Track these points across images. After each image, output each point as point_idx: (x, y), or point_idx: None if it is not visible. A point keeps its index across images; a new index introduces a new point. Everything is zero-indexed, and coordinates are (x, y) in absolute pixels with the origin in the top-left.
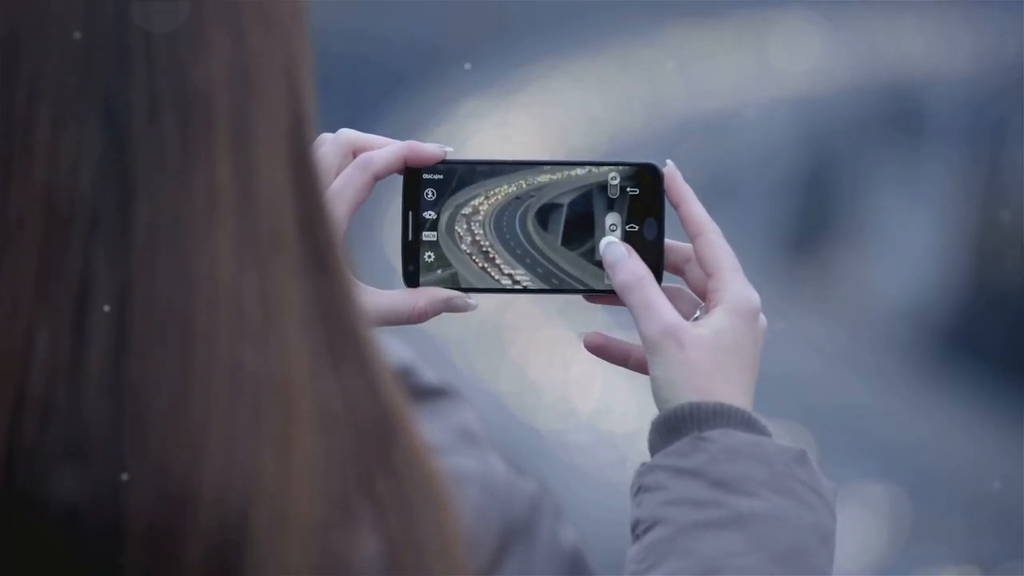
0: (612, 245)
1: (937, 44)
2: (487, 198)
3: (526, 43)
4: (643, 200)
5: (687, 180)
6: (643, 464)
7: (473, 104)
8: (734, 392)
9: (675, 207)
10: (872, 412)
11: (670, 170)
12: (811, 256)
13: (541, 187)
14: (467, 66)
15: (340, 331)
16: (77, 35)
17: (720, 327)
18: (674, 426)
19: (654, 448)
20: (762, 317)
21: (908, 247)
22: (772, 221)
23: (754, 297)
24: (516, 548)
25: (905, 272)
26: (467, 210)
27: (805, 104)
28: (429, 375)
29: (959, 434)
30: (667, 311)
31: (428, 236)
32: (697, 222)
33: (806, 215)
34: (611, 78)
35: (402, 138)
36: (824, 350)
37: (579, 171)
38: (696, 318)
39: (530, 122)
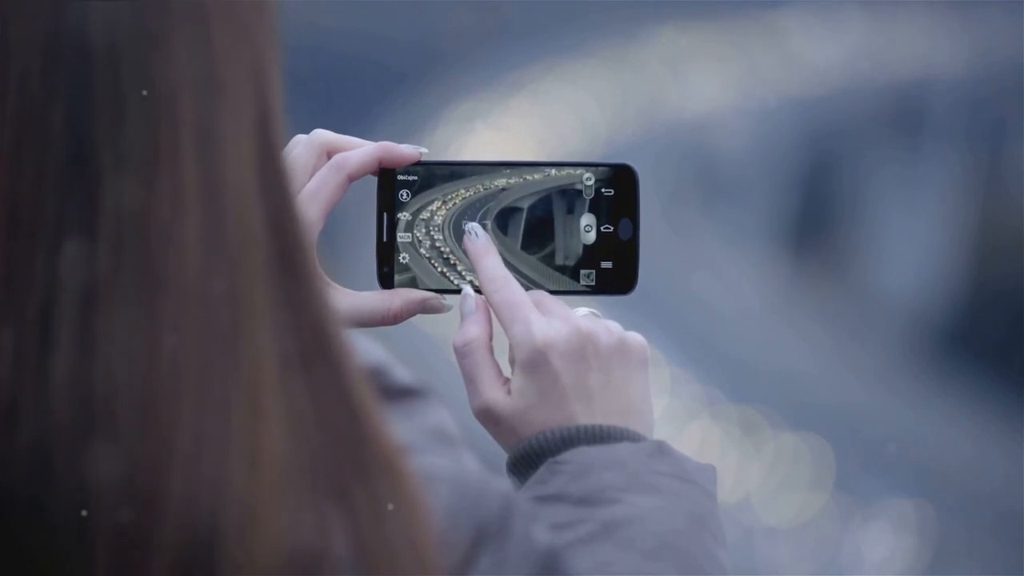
0: (467, 298)
1: (937, 44)
2: (444, 202)
3: (522, 45)
4: (618, 201)
5: (685, 181)
6: None
7: (470, 106)
8: (570, 418)
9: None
10: (871, 412)
11: (474, 227)
12: (811, 256)
13: (500, 191)
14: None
15: (310, 332)
16: (40, 38)
17: (520, 386)
18: (528, 460)
19: (517, 486)
20: (555, 342)
21: (908, 247)
22: (772, 221)
23: (534, 336)
24: (488, 548)
25: (905, 272)
26: (425, 214)
27: (805, 104)
28: (402, 375)
29: (957, 434)
30: (484, 387)
31: (403, 237)
32: (483, 283)
33: (806, 215)
34: (608, 79)
35: (398, 141)
36: (823, 349)
37: (538, 175)
38: (510, 377)
39: (526, 124)
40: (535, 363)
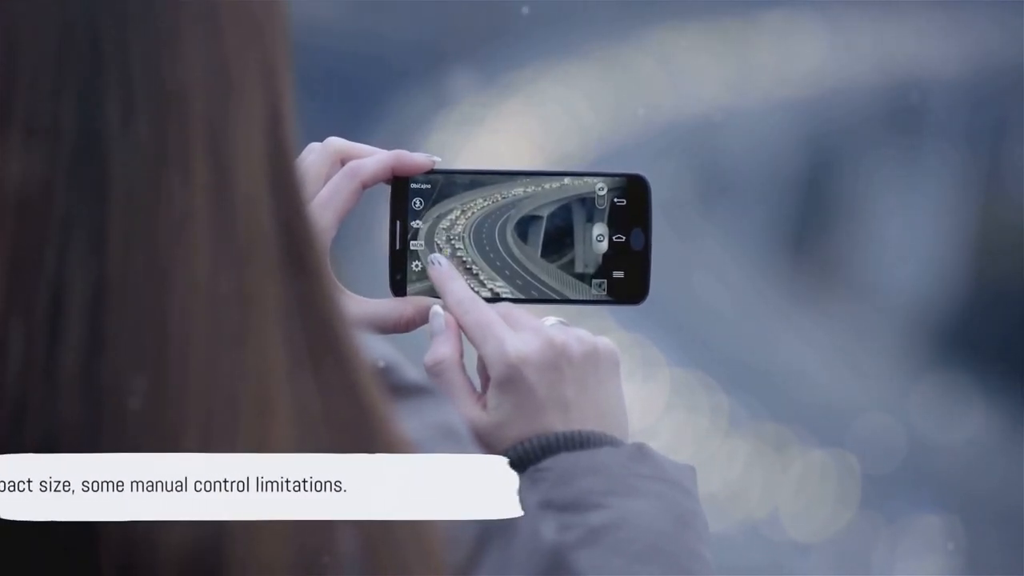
0: (436, 317)
1: (937, 44)
2: (463, 211)
3: (517, 47)
4: (630, 210)
5: (684, 182)
6: None
7: (465, 109)
8: (548, 428)
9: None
10: (871, 412)
11: (436, 258)
12: (811, 256)
13: (520, 199)
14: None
15: (319, 330)
16: (51, 35)
17: (496, 403)
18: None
19: None
20: (529, 358)
21: (908, 247)
22: (772, 221)
23: (508, 353)
24: (494, 545)
25: (905, 272)
26: (445, 223)
27: (804, 104)
28: (410, 373)
29: (957, 433)
30: (459, 405)
31: (415, 245)
32: (452, 307)
33: (805, 215)
34: (603, 81)
35: (392, 145)
36: (822, 349)
37: (557, 183)
38: (485, 391)
39: (522, 127)
40: (510, 379)
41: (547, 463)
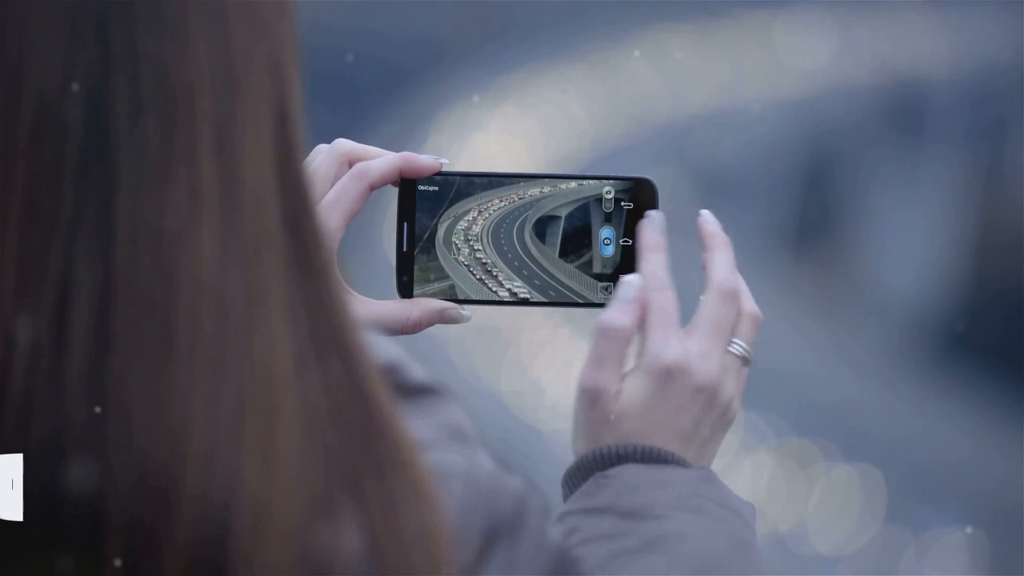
0: (628, 285)
1: (937, 44)
2: (480, 212)
3: (510, 49)
4: (638, 214)
5: (680, 182)
6: (556, 514)
7: (460, 112)
8: (648, 442)
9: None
10: (870, 411)
11: (656, 215)
12: (811, 255)
13: (537, 200)
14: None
15: (326, 329)
16: (60, 34)
17: (631, 389)
18: (580, 474)
19: (565, 498)
20: (691, 369)
21: (908, 247)
22: (772, 221)
23: (665, 355)
24: (501, 545)
25: (905, 272)
26: (463, 223)
27: (803, 104)
28: (417, 372)
29: (957, 433)
30: (603, 373)
31: (423, 247)
32: (645, 277)
33: (805, 215)
34: (598, 82)
35: (386, 147)
36: (822, 349)
37: (574, 184)
38: (631, 370)
39: (517, 129)
40: (655, 377)
41: (614, 471)
